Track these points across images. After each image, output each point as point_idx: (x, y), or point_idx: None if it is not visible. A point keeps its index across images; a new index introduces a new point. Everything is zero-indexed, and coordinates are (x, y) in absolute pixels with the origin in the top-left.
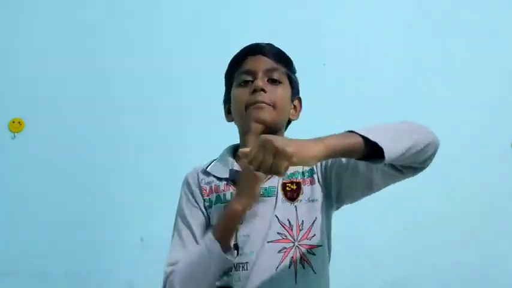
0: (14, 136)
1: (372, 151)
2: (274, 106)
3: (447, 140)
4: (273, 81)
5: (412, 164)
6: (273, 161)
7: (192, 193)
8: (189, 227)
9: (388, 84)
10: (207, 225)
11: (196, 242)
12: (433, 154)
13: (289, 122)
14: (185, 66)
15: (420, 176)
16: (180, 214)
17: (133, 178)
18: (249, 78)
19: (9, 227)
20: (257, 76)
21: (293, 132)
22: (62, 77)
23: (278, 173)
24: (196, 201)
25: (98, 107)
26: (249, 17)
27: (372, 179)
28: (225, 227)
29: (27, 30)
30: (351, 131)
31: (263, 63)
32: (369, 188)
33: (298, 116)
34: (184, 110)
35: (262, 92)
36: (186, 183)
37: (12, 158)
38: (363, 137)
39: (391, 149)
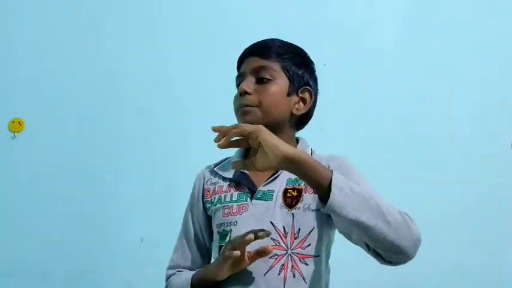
0: (14, 136)
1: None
2: (260, 106)
3: (447, 140)
4: (261, 80)
5: (365, 241)
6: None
7: (195, 196)
8: (187, 231)
9: (388, 84)
10: (209, 226)
11: (192, 246)
12: (391, 261)
13: (301, 118)
14: (186, 66)
15: (420, 175)
16: (184, 215)
17: (134, 178)
18: (240, 81)
19: (9, 227)
20: (244, 79)
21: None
22: (62, 77)
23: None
24: (197, 205)
25: (98, 106)
26: (249, 17)
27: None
28: (202, 282)
29: (28, 30)
30: (332, 171)
31: (250, 63)
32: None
33: (306, 108)
34: (185, 110)
35: (246, 96)
36: (193, 185)
37: (12, 158)
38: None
39: (340, 205)
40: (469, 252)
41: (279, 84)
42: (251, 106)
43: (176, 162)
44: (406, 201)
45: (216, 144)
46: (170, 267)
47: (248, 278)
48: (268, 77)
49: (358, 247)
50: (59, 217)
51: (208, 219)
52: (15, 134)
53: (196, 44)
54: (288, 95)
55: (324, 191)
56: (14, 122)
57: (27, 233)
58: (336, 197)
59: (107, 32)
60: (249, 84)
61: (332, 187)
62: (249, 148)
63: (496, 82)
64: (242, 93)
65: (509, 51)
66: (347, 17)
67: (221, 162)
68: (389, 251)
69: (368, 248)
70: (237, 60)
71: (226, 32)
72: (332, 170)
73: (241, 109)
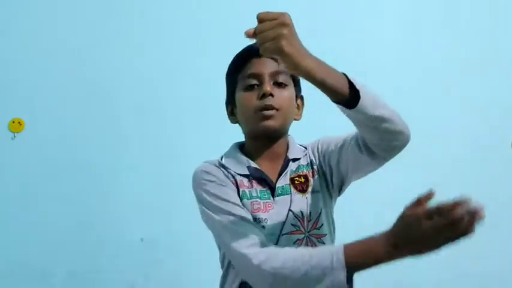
0: (14, 136)
1: (349, 100)
2: (281, 110)
3: (447, 139)
4: (279, 85)
5: (375, 143)
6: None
7: (218, 178)
8: (230, 211)
9: (387, 85)
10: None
11: (245, 218)
12: (399, 147)
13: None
14: (186, 65)
15: (420, 175)
16: (213, 203)
17: (134, 178)
18: (255, 82)
19: (9, 227)
20: (263, 80)
21: (295, 132)
22: (62, 77)
23: (276, 43)
24: (226, 183)
25: (97, 106)
26: (249, 17)
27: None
28: (362, 262)
29: (27, 30)
30: (345, 74)
31: (268, 66)
32: (347, 173)
33: (301, 115)
34: (185, 110)
35: (270, 97)
36: (205, 173)
37: (12, 158)
38: (350, 83)
39: (367, 104)
40: (467, 252)
41: (291, 90)
42: (274, 109)
43: (176, 162)
44: (406, 201)
45: (215, 144)
46: (252, 245)
47: None
48: (285, 82)
49: None
50: (59, 217)
51: None
52: (15, 134)
53: (196, 44)
54: (295, 101)
55: (341, 94)
56: (14, 122)
57: (27, 233)
58: (364, 95)
59: (107, 32)
60: (271, 86)
61: (358, 87)
62: (243, 145)
63: (496, 82)
64: (267, 95)
65: (510, 51)
66: (347, 17)
67: (220, 160)
68: (394, 140)
69: (360, 150)
70: (238, 57)
71: (225, 31)
72: (345, 74)
73: (265, 111)
